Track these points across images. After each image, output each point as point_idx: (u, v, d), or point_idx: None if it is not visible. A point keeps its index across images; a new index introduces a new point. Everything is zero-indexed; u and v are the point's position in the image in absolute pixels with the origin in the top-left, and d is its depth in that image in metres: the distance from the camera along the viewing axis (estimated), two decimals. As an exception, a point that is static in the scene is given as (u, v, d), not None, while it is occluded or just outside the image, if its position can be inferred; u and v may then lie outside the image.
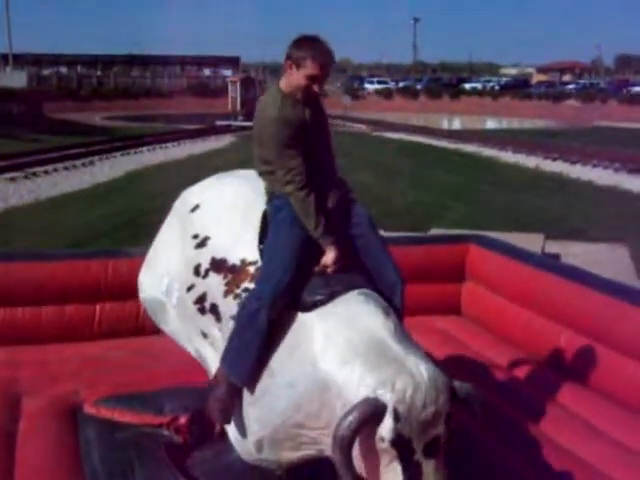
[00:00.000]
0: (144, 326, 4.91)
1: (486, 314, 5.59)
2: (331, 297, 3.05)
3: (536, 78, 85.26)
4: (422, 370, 2.68)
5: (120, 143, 28.24)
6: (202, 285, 3.56)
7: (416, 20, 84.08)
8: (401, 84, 74.66)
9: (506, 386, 4.54)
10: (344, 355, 2.84)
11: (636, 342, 4.16)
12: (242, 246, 3.44)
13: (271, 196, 3.31)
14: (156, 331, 4.23)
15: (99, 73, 67.51)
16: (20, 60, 58.99)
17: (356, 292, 3.08)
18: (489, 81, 76.33)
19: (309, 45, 3.10)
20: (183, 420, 3.92)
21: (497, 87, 70.29)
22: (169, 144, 29.50)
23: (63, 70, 68.41)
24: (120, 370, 4.61)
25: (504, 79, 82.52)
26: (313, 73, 3.08)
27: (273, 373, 3.08)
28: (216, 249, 3.55)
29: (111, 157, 24.53)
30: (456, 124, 48.53)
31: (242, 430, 3.24)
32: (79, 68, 69.47)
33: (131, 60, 75.62)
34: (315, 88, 3.14)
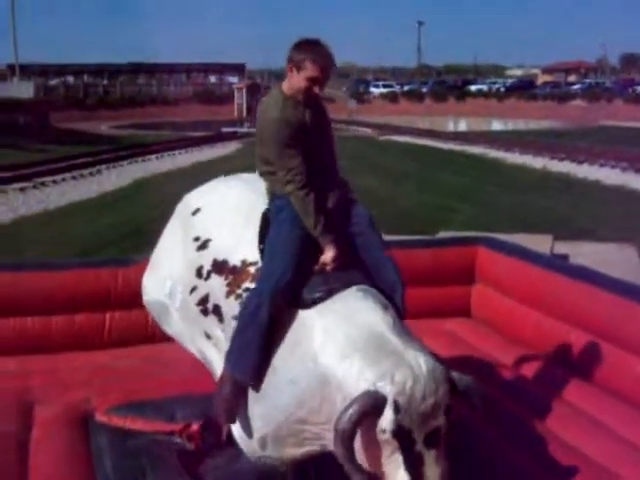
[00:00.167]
0: (154, 334, 4.92)
1: (496, 316, 5.57)
2: (330, 294, 3.08)
3: (541, 79, 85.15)
4: (421, 362, 2.71)
5: (127, 152, 28.35)
6: (204, 287, 3.59)
7: (420, 23, 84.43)
8: (406, 87, 74.75)
9: (514, 384, 4.54)
10: (343, 350, 2.86)
11: (646, 341, 4.15)
12: (243, 247, 3.46)
13: (272, 197, 3.34)
14: (166, 339, 4.25)
15: (105, 82, 67.90)
16: (27, 71, 59.25)
17: (355, 289, 3.10)
18: (494, 83, 76.35)
19: (309, 48, 3.15)
20: (195, 427, 3.93)
21: (502, 89, 70.31)
22: (175, 152, 29.60)
23: (70, 80, 68.69)
24: (131, 378, 4.62)
25: (509, 80, 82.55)
26: (313, 75, 3.13)
27: (275, 370, 3.11)
28: (217, 251, 3.58)
29: (118, 166, 24.64)
30: (462, 126, 48.54)
31: (246, 428, 3.27)
32: (85, 77, 69.76)
33: (137, 68, 75.68)
34: (316, 90, 3.18)
